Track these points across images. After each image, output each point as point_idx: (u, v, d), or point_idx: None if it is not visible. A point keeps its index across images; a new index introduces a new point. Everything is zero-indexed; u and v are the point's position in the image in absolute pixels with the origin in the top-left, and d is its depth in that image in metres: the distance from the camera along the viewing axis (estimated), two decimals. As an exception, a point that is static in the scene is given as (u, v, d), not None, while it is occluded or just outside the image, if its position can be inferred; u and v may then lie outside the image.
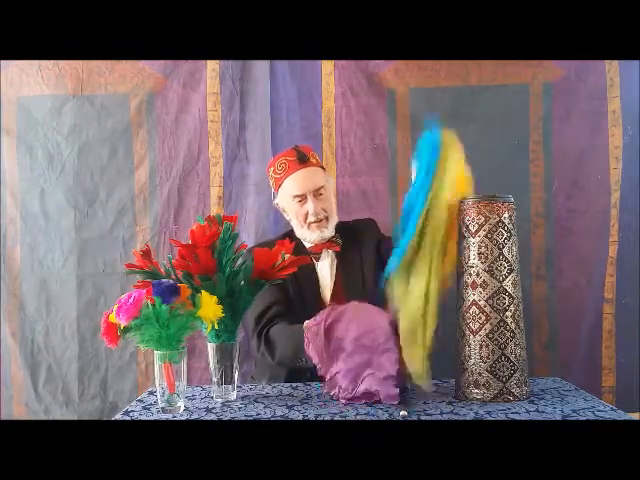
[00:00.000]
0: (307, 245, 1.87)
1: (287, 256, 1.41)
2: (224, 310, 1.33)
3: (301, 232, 1.85)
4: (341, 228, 1.91)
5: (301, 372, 1.66)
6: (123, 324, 1.24)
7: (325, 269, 1.85)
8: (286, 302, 1.77)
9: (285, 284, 1.68)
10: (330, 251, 1.86)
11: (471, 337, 1.34)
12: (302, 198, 1.82)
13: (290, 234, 1.88)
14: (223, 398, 1.42)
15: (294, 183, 1.82)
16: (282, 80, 2.34)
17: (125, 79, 2.35)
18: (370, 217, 2.02)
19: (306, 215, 1.82)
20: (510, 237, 1.35)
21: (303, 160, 1.83)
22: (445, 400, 1.36)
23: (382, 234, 1.95)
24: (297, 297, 1.79)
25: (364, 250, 1.87)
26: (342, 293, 1.77)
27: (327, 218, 1.84)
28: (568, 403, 1.31)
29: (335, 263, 1.85)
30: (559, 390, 1.43)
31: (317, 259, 1.85)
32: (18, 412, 2.36)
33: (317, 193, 1.82)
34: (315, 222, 1.82)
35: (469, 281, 1.35)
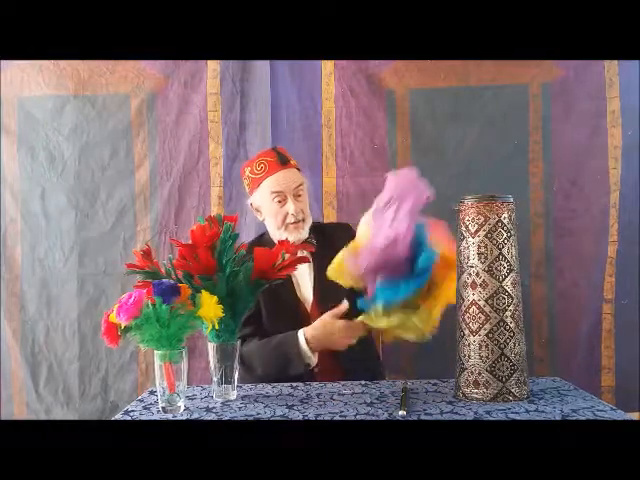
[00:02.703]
0: None
1: (287, 256, 1.42)
2: (224, 310, 1.33)
3: (278, 233, 1.84)
4: (313, 229, 1.91)
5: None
6: (124, 324, 1.24)
7: (303, 269, 1.83)
8: (255, 320, 1.77)
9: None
10: (305, 252, 1.85)
11: (471, 337, 1.34)
12: (282, 199, 1.82)
13: (263, 237, 1.90)
14: (223, 398, 1.42)
15: (276, 183, 1.82)
16: (282, 80, 2.34)
17: (126, 79, 2.35)
18: (346, 222, 2.01)
19: (285, 216, 1.82)
20: (510, 237, 1.35)
21: (284, 162, 1.83)
22: (445, 400, 1.36)
23: None
24: (275, 300, 1.77)
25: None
26: (324, 292, 1.78)
27: (304, 219, 1.84)
28: (568, 403, 1.31)
29: (312, 264, 1.83)
30: (559, 390, 1.43)
31: None
32: (19, 412, 2.36)
33: (297, 194, 1.83)
34: (294, 223, 1.82)
35: (469, 281, 1.35)
